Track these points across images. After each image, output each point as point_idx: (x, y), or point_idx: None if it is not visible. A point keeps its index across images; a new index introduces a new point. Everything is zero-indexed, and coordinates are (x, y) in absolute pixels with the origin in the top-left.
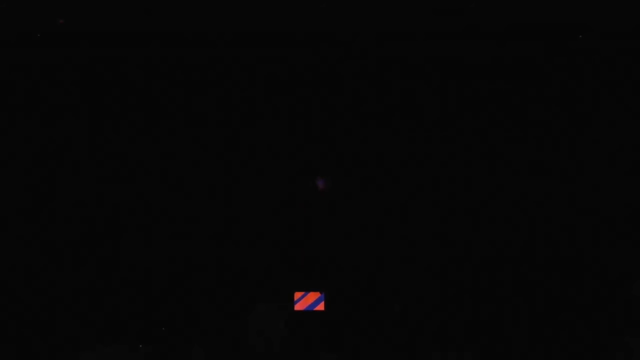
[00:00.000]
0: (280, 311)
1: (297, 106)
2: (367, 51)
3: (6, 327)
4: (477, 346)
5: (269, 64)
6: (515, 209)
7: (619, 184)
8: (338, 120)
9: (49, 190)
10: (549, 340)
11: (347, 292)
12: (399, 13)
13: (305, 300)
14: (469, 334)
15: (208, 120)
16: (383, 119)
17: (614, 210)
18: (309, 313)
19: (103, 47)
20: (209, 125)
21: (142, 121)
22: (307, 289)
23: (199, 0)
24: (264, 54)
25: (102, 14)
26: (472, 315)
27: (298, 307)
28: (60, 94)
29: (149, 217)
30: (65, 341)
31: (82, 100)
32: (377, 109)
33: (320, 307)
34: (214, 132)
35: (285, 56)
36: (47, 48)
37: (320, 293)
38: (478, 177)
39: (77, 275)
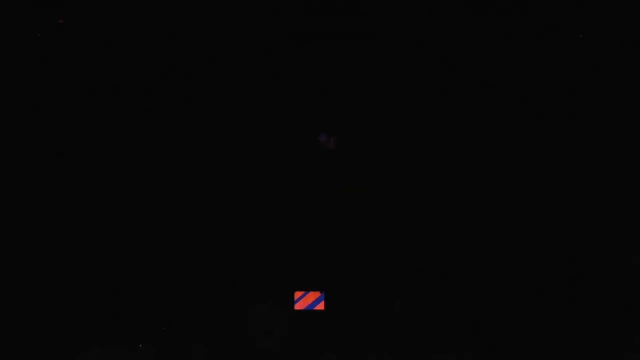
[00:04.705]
0: (280, 311)
1: (290, 107)
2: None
3: (4, 328)
4: (477, 346)
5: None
6: (516, 207)
7: (621, 181)
8: (337, 118)
9: (46, 188)
10: (552, 340)
11: (347, 292)
12: None
13: (305, 300)
14: (469, 334)
15: (196, 108)
16: (381, 116)
17: (618, 206)
18: (309, 313)
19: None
20: (199, 115)
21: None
22: (307, 289)
23: None
24: None
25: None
26: (472, 315)
27: (298, 306)
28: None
29: (148, 215)
30: (63, 341)
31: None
32: (372, 105)
33: (320, 306)
34: (206, 122)
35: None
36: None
37: (320, 293)
38: (480, 174)
39: (75, 275)
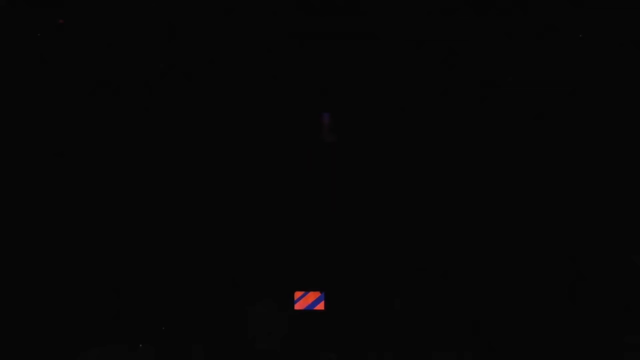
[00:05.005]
0: (280, 311)
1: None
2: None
3: (5, 327)
4: (477, 346)
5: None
6: (516, 207)
7: (621, 181)
8: (337, 117)
9: (46, 188)
10: (552, 340)
11: (347, 292)
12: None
13: (305, 300)
14: (469, 334)
15: (196, 108)
16: (381, 116)
17: (618, 205)
18: (309, 312)
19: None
20: (199, 115)
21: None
22: (307, 289)
23: None
24: None
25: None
26: (472, 315)
27: (298, 306)
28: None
29: (148, 215)
30: (64, 341)
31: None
32: (372, 105)
33: (320, 306)
34: (206, 123)
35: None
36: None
37: (320, 293)
38: (480, 174)
39: (76, 275)
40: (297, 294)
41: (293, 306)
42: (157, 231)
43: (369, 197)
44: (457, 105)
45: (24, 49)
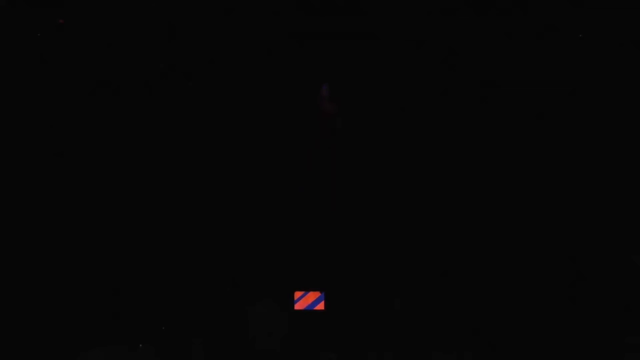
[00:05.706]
0: (280, 311)
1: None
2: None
3: (5, 328)
4: (477, 346)
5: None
6: (516, 207)
7: (621, 181)
8: (337, 117)
9: (45, 188)
10: (552, 340)
11: (347, 292)
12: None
13: (305, 300)
14: (469, 334)
15: (196, 108)
16: (381, 116)
17: (618, 205)
18: (309, 312)
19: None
20: (199, 115)
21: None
22: (307, 289)
23: None
24: None
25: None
26: (473, 314)
27: (298, 306)
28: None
29: (148, 215)
30: (64, 341)
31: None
32: (372, 105)
33: (320, 306)
34: (206, 123)
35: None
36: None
37: (320, 293)
38: (480, 173)
39: (76, 275)
40: (297, 294)
41: (293, 306)
42: (157, 231)
43: (369, 197)
44: (457, 105)
45: (24, 49)
